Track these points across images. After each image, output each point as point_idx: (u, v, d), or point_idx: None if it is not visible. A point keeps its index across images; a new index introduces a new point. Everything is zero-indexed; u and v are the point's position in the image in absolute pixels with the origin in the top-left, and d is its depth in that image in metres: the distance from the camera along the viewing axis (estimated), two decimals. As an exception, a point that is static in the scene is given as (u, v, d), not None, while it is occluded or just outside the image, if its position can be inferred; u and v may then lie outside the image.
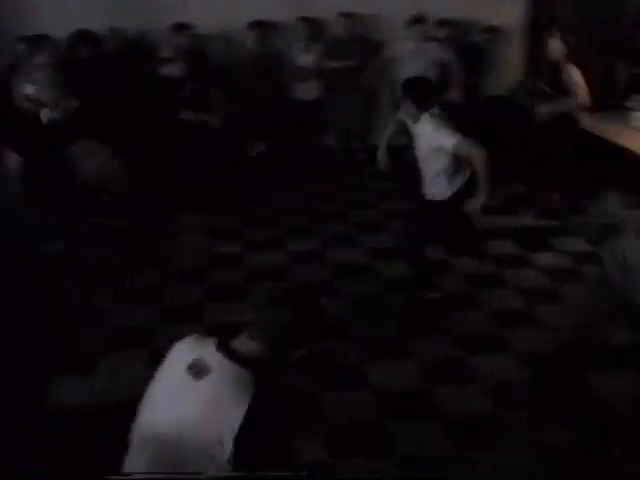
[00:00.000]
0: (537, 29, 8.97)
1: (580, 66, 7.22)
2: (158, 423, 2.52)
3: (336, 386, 4.84)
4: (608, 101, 8.42)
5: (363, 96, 8.87)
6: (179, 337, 2.71)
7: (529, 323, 5.60)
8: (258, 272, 6.42)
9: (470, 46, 8.82)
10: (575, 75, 7.18)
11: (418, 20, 8.30)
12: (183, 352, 2.62)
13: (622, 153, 7.37)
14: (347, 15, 8.55)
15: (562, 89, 7.27)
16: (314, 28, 8.52)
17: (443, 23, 8.64)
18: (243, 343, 2.57)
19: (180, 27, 8.12)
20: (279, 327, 2.55)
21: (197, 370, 2.51)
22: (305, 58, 8.40)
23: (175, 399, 2.52)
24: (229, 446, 2.36)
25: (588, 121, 7.56)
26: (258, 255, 6.74)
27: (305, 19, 8.49)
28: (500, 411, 4.60)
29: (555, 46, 7.27)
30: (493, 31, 8.92)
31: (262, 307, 2.63)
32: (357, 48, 8.59)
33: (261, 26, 8.34)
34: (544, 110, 7.36)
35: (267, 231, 7.26)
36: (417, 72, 7.68)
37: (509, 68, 9.19)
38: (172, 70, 7.64)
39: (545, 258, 6.65)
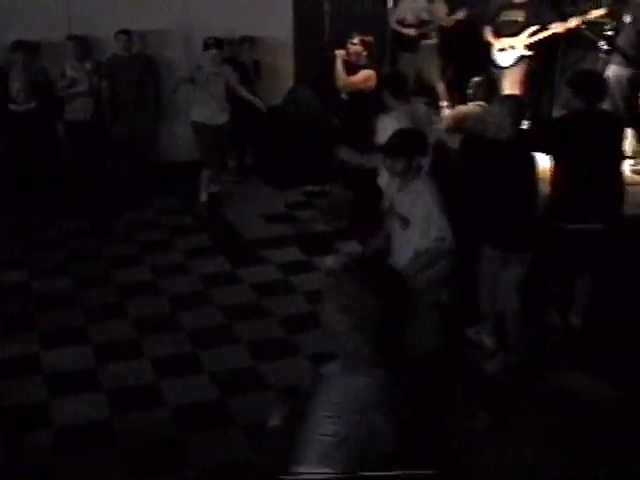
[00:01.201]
0: (305, 39, 9.34)
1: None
2: None
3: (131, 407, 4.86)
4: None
5: (149, 114, 8.82)
6: None
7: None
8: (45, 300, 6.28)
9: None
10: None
11: (216, 44, 8.22)
12: None
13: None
14: (126, 32, 8.47)
15: None
16: (84, 46, 8.33)
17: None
18: None
19: None
20: None
21: None
22: (76, 77, 8.21)
23: None
24: None
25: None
26: (44, 282, 6.57)
27: (74, 37, 8.31)
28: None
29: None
30: (250, 41, 9.03)
31: None
32: (139, 66, 8.57)
33: (25, 47, 8.00)
34: None
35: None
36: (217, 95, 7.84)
37: (282, 78, 9.46)
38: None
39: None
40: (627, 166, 7.40)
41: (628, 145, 7.60)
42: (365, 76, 7.93)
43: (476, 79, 6.71)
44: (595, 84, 5.36)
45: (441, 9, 8.97)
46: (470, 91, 6.63)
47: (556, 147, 5.20)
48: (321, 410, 2.08)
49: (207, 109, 7.92)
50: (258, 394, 4.92)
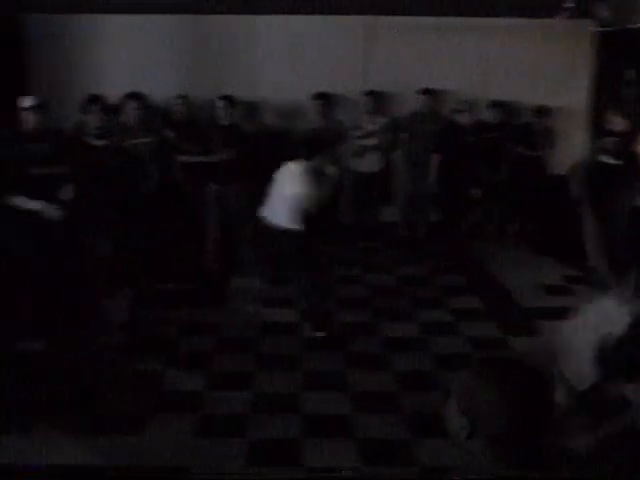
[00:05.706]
0: (600, 109, 8.99)
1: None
2: None
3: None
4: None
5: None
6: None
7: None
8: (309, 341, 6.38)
9: (524, 126, 9.04)
10: None
11: None
12: None
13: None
14: (429, 92, 8.75)
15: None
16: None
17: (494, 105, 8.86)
18: None
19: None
20: None
21: None
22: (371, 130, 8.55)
23: None
24: None
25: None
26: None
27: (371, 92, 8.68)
28: None
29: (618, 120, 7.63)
30: (545, 111, 8.99)
31: None
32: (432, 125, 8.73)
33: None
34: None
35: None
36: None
37: (572, 147, 9.19)
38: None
39: None
40: None
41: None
42: None
43: None
44: None
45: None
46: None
47: None
48: None
49: None
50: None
